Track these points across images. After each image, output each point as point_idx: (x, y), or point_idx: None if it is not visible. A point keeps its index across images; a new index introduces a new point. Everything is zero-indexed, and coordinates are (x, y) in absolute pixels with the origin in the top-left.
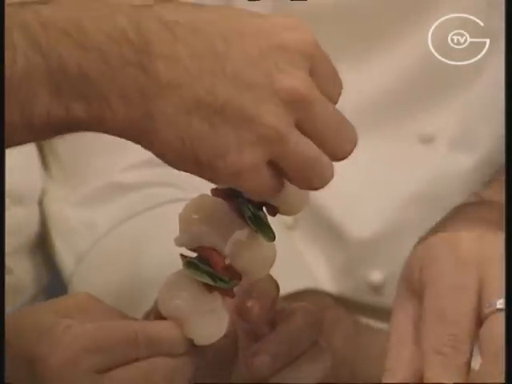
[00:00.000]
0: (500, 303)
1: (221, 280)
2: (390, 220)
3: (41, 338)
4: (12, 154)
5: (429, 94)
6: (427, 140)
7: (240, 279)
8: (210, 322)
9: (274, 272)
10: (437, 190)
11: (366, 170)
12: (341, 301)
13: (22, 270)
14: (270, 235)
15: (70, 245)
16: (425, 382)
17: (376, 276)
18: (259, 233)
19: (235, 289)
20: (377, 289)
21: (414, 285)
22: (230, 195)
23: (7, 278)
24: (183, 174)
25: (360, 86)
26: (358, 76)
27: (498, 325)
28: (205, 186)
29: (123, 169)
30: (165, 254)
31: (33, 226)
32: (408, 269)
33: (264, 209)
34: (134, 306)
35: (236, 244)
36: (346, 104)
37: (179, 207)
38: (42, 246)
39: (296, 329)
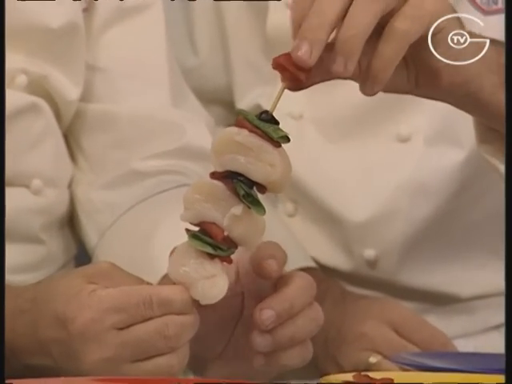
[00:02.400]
0: None
1: (220, 249)
2: (381, 206)
3: (70, 301)
4: (44, 144)
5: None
6: (405, 139)
7: (236, 247)
8: (213, 285)
9: None
10: (422, 181)
11: (358, 164)
12: (341, 274)
13: (53, 243)
14: (261, 210)
15: (94, 222)
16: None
17: (370, 253)
18: (252, 208)
19: (232, 256)
20: (371, 264)
21: None
22: (226, 177)
23: (41, 249)
24: (189, 164)
25: (346, 97)
26: (344, 89)
27: None
28: (206, 174)
29: (139, 159)
30: (174, 229)
31: (63, 206)
32: None
33: (254, 188)
34: (148, 274)
35: (232, 218)
36: (340, 111)
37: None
38: (71, 222)
39: (296, 290)
